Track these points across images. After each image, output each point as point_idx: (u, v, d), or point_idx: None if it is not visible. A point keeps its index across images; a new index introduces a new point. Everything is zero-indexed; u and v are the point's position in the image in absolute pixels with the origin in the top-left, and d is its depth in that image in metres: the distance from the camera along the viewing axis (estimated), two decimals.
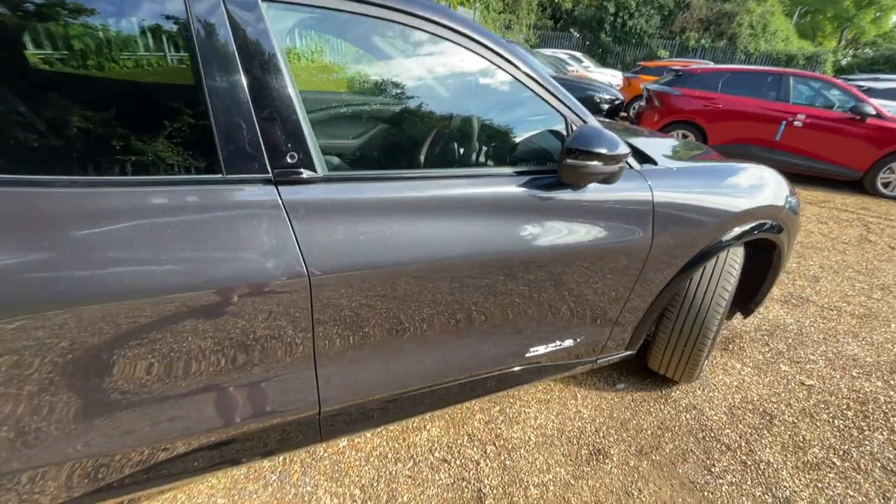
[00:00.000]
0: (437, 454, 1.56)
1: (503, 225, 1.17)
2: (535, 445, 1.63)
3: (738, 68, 6.50)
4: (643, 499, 1.45)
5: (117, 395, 0.86)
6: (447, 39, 1.07)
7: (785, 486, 1.53)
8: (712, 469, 1.58)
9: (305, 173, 0.95)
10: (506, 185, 1.18)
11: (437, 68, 1.18)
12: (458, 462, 1.54)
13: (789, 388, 2.01)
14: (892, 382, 2.10)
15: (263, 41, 0.89)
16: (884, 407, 1.93)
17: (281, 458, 1.49)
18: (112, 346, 0.81)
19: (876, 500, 1.50)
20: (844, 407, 1.92)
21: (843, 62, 25.79)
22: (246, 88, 0.88)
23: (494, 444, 1.62)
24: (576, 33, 21.73)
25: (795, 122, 5.66)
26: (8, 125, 0.78)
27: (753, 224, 1.62)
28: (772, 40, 21.48)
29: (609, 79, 10.63)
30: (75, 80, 0.90)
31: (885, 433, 1.79)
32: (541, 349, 1.45)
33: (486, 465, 1.54)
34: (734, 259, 1.65)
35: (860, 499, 1.50)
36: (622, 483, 1.51)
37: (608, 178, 1.23)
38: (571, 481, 1.50)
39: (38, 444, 0.83)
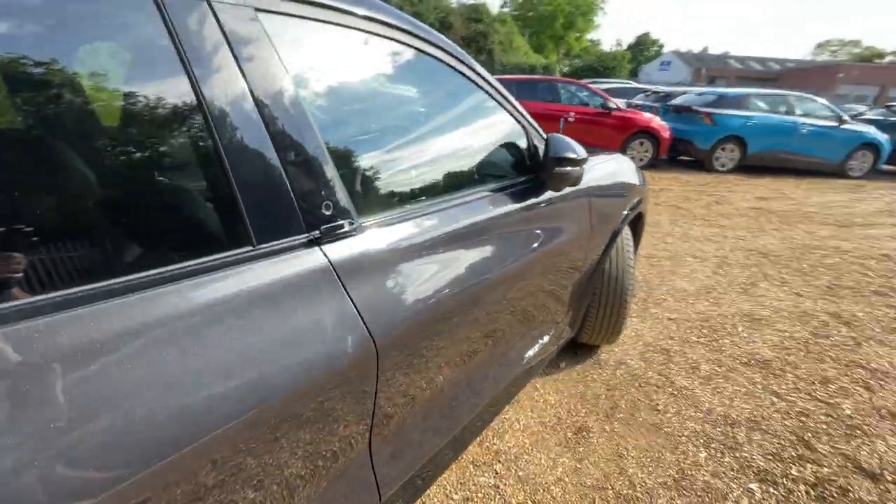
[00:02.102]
0: (456, 496, 1.45)
1: (509, 236, 1.16)
2: (532, 446, 1.67)
3: (520, 78, 7.79)
4: (631, 453, 1.65)
5: None
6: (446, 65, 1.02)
7: (702, 401, 1.94)
8: (658, 407, 1.89)
9: (346, 224, 0.76)
10: (502, 200, 1.17)
11: (433, 95, 1.10)
12: (480, 495, 1.46)
13: (664, 325, 2.55)
14: (711, 300, 2.87)
15: (280, 77, 0.68)
16: (718, 319, 2.63)
17: None
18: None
19: (748, 385, 2.04)
20: (698, 327, 2.54)
21: (565, 70, 33.44)
22: (267, 134, 0.66)
23: (500, 462, 1.59)
24: None
25: (569, 118, 7.10)
26: None
27: (637, 199, 1.99)
28: (517, 54, 26.40)
29: None
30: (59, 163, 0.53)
31: (730, 338, 2.45)
32: (532, 351, 1.49)
33: (504, 484, 1.50)
34: (628, 231, 2.00)
35: (742, 389, 2.02)
36: (612, 448, 1.67)
37: (577, 181, 1.34)
38: (577, 465, 1.59)
39: None
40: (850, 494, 1.51)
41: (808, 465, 1.62)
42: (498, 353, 1.25)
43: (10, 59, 0.49)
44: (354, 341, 0.74)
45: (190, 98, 0.60)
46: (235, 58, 0.65)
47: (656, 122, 7.32)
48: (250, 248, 0.64)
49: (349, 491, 0.86)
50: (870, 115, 9.73)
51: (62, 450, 0.44)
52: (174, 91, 0.60)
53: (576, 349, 2.24)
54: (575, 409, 1.87)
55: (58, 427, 0.44)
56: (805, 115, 7.65)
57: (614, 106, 7.18)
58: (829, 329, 2.61)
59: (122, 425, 0.49)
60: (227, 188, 0.62)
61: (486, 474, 1.54)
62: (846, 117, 7.87)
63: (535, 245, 1.26)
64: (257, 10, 0.69)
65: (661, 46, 54.14)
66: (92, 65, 0.57)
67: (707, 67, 41.43)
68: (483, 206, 1.11)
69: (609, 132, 7.16)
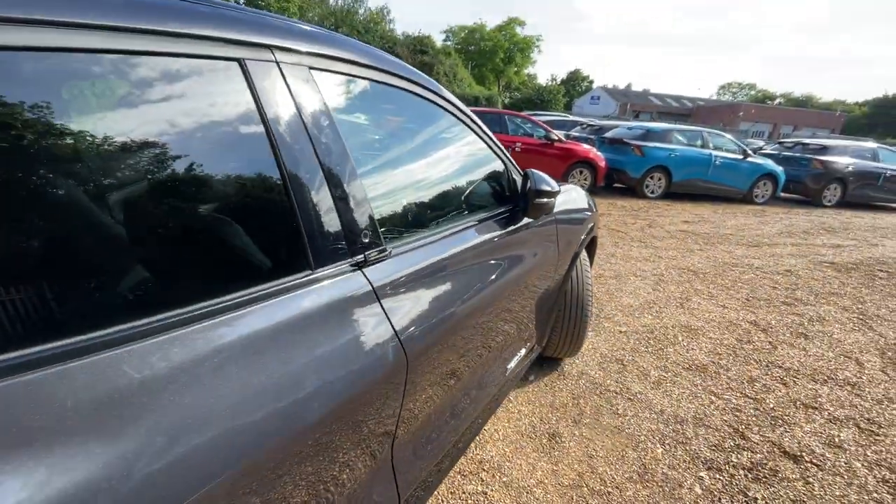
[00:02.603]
0: None
1: (497, 258, 1.31)
2: (512, 454, 1.79)
3: (472, 110, 8.20)
4: (600, 454, 1.82)
5: None
6: (450, 113, 1.19)
7: (654, 403, 2.18)
8: (618, 411, 2.10)
9: (377, 250, 0.88)
10: (490, 227, 1.33)
11: (440, 138, 1.25)
12: (470, 502, 1.55)
13: (616, 337, 2.81)
14: (654, 314, 3.20)
15: (329, 123, 0.80)
16: (661, 330, 2.94)
17: None
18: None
19: (691, 387, 2.32)
20: (645, 338, 2.83)
21: (506, 101, 35.22)
22: (321, 172, 0.77)
23: (485, 470, 1.70)
24: None
25: (517, 148, 7.56)
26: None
27: (591, 224, 2.24)
28: (461, 85, 27.57)
29: None
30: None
31: (672, 347, 2.75)
32: (514, 362, 1.64)
33: (491, 490, 1.61)
34: (584, 253, 2.24)
35: (686, 391, 2.29)
36: (582, 450, 1.84)
37: (551, 210, 1.53)
38: (554, 468, 1.73)
39: None
40: (779, 474, 1.78)
41: (745, 453, 1.88)
42: (490, 362, 1.38)
43: (154, 115, 0.58)
44: (391, 353, 0.84)
45: (264, 141, 0.70)
46: (297, 106, 0.76)
47: (594, 152, 7.98)
48: (309, 271, 0.74)
49: (373, 491, 0.94)
50: (768, 150, 11.21)
51: (184, 452, 0.51)
52: (253, 137, 0.70)
53: (542, 363, 2.42)
54: (546, 418, 2.02)
55: (183, 425, 0.52)
56: (717, 148, 8.70)
57: (556, 137, 7.77)
58: (751, 335, 3.00)
59: (225, 426, 0.56)
60: (294, 220, 0.72)
61: (473, 482, 1.64)
62: (749, 151, 9.04)
63: (517, 265, 1.43)
64: (310, 69, 0.81)
65: (591, 82, 58.75)
66: (196, 115, 0.65)
67: (632, 103, 45.52)
68: (476, 233, 1.26)
69: (552, 161, 7.70)
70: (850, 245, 5.97)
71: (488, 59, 36.59)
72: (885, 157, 9.56)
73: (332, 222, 0.78)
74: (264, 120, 0.70)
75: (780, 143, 11.60)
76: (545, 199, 1.41)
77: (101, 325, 0.50)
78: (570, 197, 2.08)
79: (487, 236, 1.29)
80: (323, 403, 0.69)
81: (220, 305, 0.61)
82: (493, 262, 1.29)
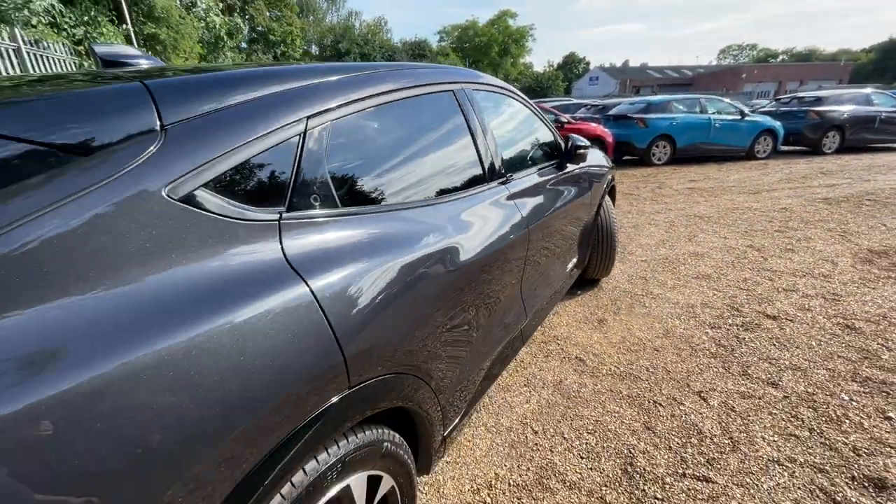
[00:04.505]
0: (538, 363, 2.38)
1: (554, 191, 2.15)
2: (576, 331, 2.63)
3: None
4: (635, 327, 2.64)
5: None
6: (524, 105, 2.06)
7: (671, 298, 2.98)
8: (645, 304, 2.91)
9: (507, 177, 1.73)
10: (550, 171, 2.17)
11: (521, 120, 2.12)
12: (553, 349, 2.40)
13: (638, 264, 3.63)
14: (667, 247, 3.99)
15: (481, 112, 1.67)
16: (674, 257, 3.74)
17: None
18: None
19: (698, 288, 3.12)
20: (661, 263, 3.63)
21: None
22: (483, 135, 1.63)
23: (559, 340, 2.54)
24: None
25: None
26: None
27: (611, 176, 3.06)
28: None
29: None
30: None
31: (683, 266, 3.55)
32: (570, 266, 2.47)
33: (567, 347, 2.45)
34: (608, 198, 3.06)
35: (695, 290, 3.09)
36: (623, 325, 2.66)
37: (585, 158, 2.36)
38: (605, 336, 2.56)
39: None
40: (761, 326, 2.58)
41: (738, 317, 2.69)
42: (561, 256, 2.22)
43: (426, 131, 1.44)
44: (522, 229, 1.68)
45: (464, 131, 1.56)
46: (477, 113, 1.61)
47: (601, 129, 8.72)
48: (486, 183, 1.59)
49: (510, 314, 1.78)
50: (767, 108, 11.75)
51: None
52: (458, 129, 1.55)
53: (584, 284, 3.25)
54: (594, 312, 2.86)
55: None
56: (716, 112, 9.35)
57: (566, 120, 8.54)
58: (747, 254, 3.78)
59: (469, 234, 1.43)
60: (479, 166, 1.58)
61: (552, 345, 2.48)
62: (747, 111, 9.66)
63: (568, 197, 2.25)
64: (475, 91, 1.67)
65: (588, 63, 58.96)
66: (440, 122, 1.50)
67: (630, 79, 45.68)
68: (544, 173, 2.10)
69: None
70: (845, 183, 6.61)
71: (484, 53, 37.40)
72: (880, 100, 10.06)
73: (491, 166, 1.63)
74: (465, 114, 1.55)
75: (776, 99, 12.12)
76: (581, 150, 2.25)
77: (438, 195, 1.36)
78: (595, 155, 2.91)
79: (551, 176, 2.13)
80: (492, 247, 1.53)
81: (456, 195, 1.47)
82: (557, 189, 2.13)
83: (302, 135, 0.93)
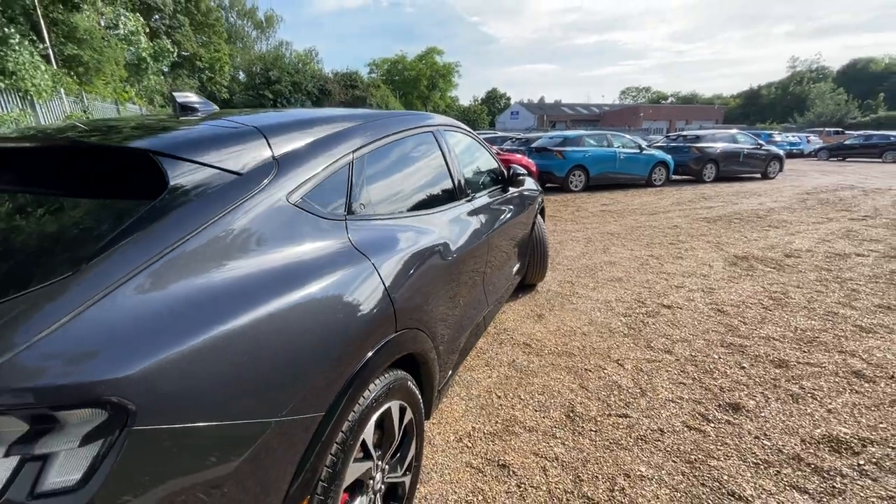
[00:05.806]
0: (492, 351, 2.87)
1: (499, 212, 2.71)
2: (520, 324, 3.17)
3: None
4: (566, 318, 3.24)
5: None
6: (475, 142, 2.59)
7: (593, 297, 3.66)
8: (573, 302, 3.55)
9: (469, 196, 2.24)
10: (496, 194, 2.72)
11: (473, 153, 2.63)
12: (505, 339, 2.90)
13: (565, 272, 4.31)
14: (587, 258, 4.76)
15: (454, 154, 2.18)
16: (592, 266, 4.49)
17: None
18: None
19: (613, 288, 3.84)
20: (583, 270, 4.35)
21: None
22: (456, 169, 2.13)
23: (506, 331, 3.06)
24: None
25: None
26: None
27: (541, 199, 3.72)
28: None
29: None
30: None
31: (600, 272, 4.29)
32: (514, 269, 3.02)
33: (514, 336, 2.97)
34: (540, 217, 3.71)
35: (611, 289, 3.81)
36: (557, 318, 3.25)
37: (523, 183, 2.95)
38: (544, 326, 3.13)
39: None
40: (660, 314, 3.30)
41: (643, 308, 3.40)
42: (506, 262, 2.75)
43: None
44: (482, 234, 2.19)
45: (441, 161, 2.05)
46: (445, 142, 2.11)
47: (526, 160, 9.74)
48: (458, 200, 2.09)
49: (474, 302, 2.26)
50: (660, 143, 13.78)
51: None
52: (437, 159, 2.04)
53: (524, 289, 3.83)
54: (533, 309, 3.43)
55: None
56: (620, 146, 10.86)
57: (494, 150, 9.45)
58: (648, 261, 4.64)
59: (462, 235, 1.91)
60: (453, 185, 2.06)
61: (502, 335, 2.99)
62: (644, 145, 11.32)
63: (510, 215, 2.81)
64: (445, 131, 2.17)
65: (509, 98, 63.40)
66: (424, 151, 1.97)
67: (547, 114, 49.93)
68: (491, 196, 2.64)
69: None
70: (719, 206, 8.09)
71: (413, 86, 39.00)
72: (743, 139, 12.32)
73: (460, 187, 2.13)
74: (441, 148, 2.05)
75: (666, 136, 14.24)
76: (521, 177, 2.84)
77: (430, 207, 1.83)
78: (529, 182, 3.55)
79: (499, 197, 2.68)
80: (468, 244, 2.01)
81: (440, 208, 1.94)
82: (504, 208, 2.68)
83: (351, 163, 1.36)
